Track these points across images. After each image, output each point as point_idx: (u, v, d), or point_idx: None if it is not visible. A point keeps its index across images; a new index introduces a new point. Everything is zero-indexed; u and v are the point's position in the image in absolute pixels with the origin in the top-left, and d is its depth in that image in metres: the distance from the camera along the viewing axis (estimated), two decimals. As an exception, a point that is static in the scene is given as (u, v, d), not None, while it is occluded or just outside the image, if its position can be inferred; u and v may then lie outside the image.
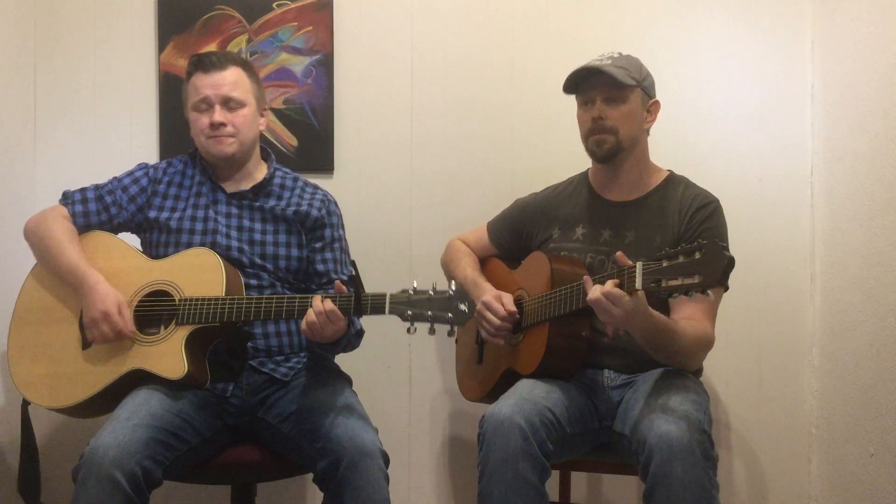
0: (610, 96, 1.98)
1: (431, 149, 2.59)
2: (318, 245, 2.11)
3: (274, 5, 2.56)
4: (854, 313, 2.26)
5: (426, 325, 1.77)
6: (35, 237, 2.01)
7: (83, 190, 2.08)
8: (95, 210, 2.05)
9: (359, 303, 1.80)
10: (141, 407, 1.78)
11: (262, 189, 2.10)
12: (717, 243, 1.52)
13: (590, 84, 2.00)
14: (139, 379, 1.88)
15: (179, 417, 1.81)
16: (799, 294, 2.52)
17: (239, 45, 2.56)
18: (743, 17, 2.53)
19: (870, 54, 2.21)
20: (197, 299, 1.88)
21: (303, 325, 1.82)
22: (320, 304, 1.80)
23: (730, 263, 1.50)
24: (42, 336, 1.96)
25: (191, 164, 2.13)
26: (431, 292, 1.77)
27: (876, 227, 2.16)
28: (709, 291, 1.51)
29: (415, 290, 1.79)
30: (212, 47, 2.55)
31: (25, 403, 2.00)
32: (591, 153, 2.04)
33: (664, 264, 1.59)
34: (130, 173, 2.11)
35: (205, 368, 1.91)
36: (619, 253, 1.72)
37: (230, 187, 2.10)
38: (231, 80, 2.03)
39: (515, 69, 2.57)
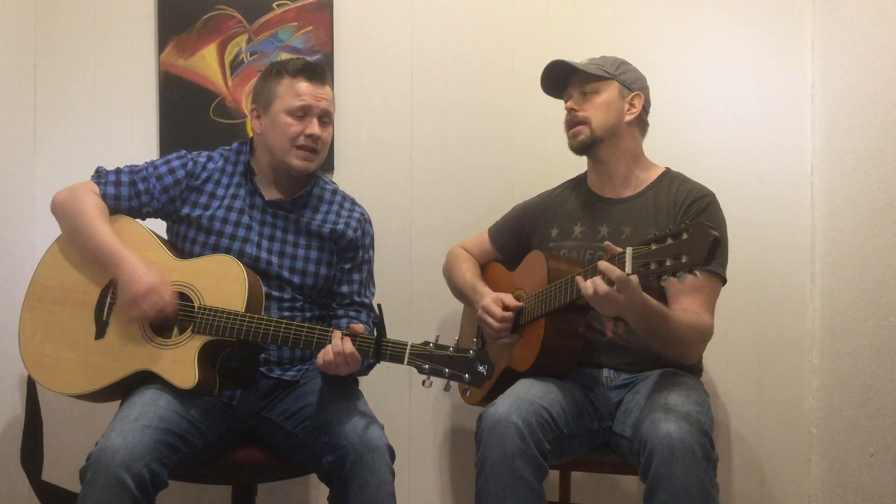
0: (583, 90, 2.04)
1: (431, 149, 2.59)
2: (347, 266, 2.08)
3: (274, 5, 2.56)
4: (854, 313, 2.26)
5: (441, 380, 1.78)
6: (65, 212, 1.95)
7: (118, 171, 2.02)
8: (127, 195, 2.00)
9: (378, 349, 1.79)
10: (149, 408, 1.76)
11: (300, 200, 2.06)
12: (702, 223, 1.51)
13: (567, 82, 2.09)
14: (147, 378, 1.86)
15: (186, 420, 1.80)
16: (799, 294, 2.51)
17: (239, 45, 2.56)
18: (743, 17, 2.53)
19: (870, 54, 2.21)
20: (216, 310, 1.85)
21: (318, 360, 1.81)
22: (340, 344, 1.78)
23: (715, 242, 1.49)
24: (56, 317, 1.92)
25: (233, 161, 2.07)
26: (452, 350, 1.77)
27: (876, 227, 2.16)
28: (696, 272, 1.51)
29: (436, 344, 1.78)
30: (212, 47, 2.55)
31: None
32: (570, 146, 2.10)
33: (653, 247, 1.59)
34: (167, 161, 2.04)
35: (214, 378, 1.88)
36: (606, 242, 1.72)
37: (269, 194, 2.05)
38: (331, 96, 2.04)
39: (515, 69, 2.57)
